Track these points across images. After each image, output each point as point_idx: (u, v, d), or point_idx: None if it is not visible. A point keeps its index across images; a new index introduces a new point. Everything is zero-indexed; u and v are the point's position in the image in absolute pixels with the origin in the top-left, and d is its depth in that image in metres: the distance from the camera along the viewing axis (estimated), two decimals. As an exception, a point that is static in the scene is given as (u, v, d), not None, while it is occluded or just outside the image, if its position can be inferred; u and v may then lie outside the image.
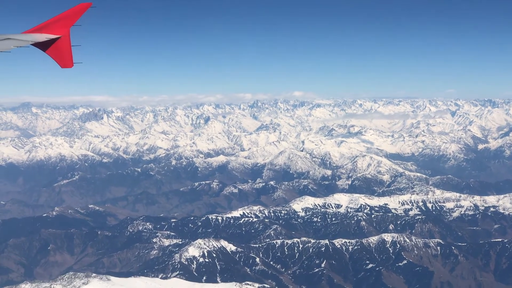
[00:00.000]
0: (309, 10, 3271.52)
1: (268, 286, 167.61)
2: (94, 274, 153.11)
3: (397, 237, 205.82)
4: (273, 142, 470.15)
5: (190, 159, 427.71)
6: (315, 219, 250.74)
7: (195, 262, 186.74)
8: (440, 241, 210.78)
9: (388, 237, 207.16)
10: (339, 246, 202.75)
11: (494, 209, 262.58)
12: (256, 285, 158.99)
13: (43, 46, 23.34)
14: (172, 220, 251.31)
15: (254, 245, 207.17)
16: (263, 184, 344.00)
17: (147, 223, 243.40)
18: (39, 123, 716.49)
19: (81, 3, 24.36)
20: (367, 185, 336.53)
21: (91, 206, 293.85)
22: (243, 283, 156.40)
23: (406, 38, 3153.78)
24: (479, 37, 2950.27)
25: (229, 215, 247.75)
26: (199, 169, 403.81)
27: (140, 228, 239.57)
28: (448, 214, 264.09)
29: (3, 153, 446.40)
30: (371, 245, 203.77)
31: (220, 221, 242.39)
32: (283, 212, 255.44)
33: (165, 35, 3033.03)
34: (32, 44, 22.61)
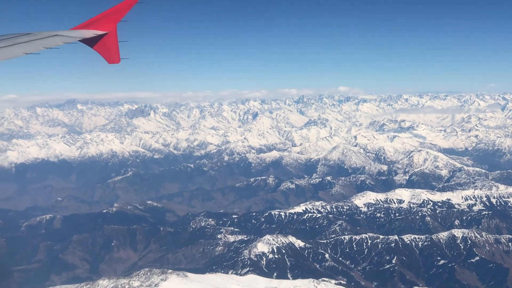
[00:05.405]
0: (354, 6, 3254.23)
1: (344, 282, 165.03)
2: (170, 271, 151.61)
3: (468, 233, 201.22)
4: (325, 138, 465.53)
5: (243, 154, 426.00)
6: (378, 215, 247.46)
7: (264, 258, 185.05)
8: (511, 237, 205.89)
9: (458, 233, 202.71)
10: (408, 242, 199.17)
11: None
12: (333, 281, 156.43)
13: (91, 42, 23.34)
14: (233, 216, 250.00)
15: (322, 241, 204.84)
16: (320, 179, 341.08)
17: (209, 219, 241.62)
18: (85, 119, 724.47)
19: None
20: (425, 180, 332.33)
21: (149, 202, 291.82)
22: (320, 280, 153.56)
23: (450, 34, 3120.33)
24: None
25: (292, 211, 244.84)
26: (253, 165, 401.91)
27: (203, 224, 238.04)
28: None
29: (55, 149, 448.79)
30: (441, 241, 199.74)
31: (283, 216, 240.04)
32: (345, 207, 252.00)
33: (207, 32, 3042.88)
34: (79, 40, 22.57)
